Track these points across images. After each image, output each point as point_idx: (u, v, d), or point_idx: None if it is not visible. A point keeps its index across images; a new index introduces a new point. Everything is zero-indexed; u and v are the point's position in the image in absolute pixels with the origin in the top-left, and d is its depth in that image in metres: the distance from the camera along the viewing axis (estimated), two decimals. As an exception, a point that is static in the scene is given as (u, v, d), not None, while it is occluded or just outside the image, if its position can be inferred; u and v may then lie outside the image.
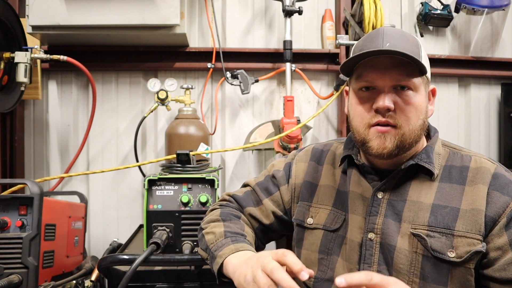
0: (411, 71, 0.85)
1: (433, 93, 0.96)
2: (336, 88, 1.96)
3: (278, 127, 1.95)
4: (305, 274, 0.71)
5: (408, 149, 0.89)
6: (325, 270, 0.96)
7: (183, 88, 1.84)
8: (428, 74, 0.91)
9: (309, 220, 1.01)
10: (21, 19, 1.68)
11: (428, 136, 0.98)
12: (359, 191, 0.95)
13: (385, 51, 0.83)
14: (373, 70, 0.86)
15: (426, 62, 0.90)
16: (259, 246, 1.10)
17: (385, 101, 0.84)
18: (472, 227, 0.83)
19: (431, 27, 2.21)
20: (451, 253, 0.83)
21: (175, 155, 1.30)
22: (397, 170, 0.90)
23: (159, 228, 1.17)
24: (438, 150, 0.94)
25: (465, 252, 0.82)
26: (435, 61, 2.08)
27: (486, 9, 2.03)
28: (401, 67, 0.85)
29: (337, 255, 0.95)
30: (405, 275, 0.85)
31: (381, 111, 0.85)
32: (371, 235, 0.90)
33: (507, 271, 0.81)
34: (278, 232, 1.12)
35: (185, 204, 1.19)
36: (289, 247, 1.00)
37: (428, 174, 0.90)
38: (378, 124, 0.86)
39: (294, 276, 0.73)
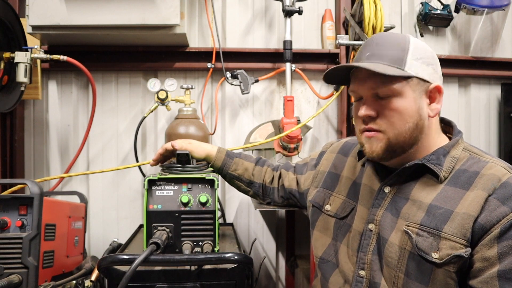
0: (388, 78, 0.88)
1: (438, 91, 0.93)
2: (336, 88, 1.96)
3: (278, 127, 1.95)
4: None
5: (402, 152, 0.93)
6: (331, 253, 1.05)
7: (183, 88, 1.84)
8: (423, 75, 0.90)
9: (327, 207, 1.10)
10: (21, 19, 1.67)
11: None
12: (370, 184, 1.01)
13: (348, 66, 0.93)
14: (355, 81, 0.95)
15: (416, 64, 0.89)
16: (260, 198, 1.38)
17: (363, 110, 0.92)
18: (458, 231, 0.82)
19: (431, 27, 2.21)
20: (435, 254, 0.83)
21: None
22: (403, 168, 0.93)
23: (159, 228, 1.17)
24: (455, 154, 0.93)
25: (446, 255, 0.82)
26: (435, 61, 2.09)
27: (486, 9, 2.03)
28: (378, 75, 0.88)
29: (341, 242, 1.03)
30: (392, 269, 0.88)
31: (364, 119, 0.93)
32: (371, 226, 0.95)
33: (489, 284, 0.78)
34: (277, 196, 1.35)
35: (185, 204, 1.19)
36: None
37: (435, 176, 0.91)
38: (365, 130, 0.94)
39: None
